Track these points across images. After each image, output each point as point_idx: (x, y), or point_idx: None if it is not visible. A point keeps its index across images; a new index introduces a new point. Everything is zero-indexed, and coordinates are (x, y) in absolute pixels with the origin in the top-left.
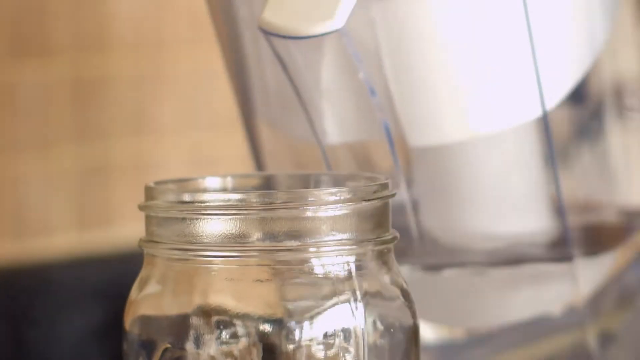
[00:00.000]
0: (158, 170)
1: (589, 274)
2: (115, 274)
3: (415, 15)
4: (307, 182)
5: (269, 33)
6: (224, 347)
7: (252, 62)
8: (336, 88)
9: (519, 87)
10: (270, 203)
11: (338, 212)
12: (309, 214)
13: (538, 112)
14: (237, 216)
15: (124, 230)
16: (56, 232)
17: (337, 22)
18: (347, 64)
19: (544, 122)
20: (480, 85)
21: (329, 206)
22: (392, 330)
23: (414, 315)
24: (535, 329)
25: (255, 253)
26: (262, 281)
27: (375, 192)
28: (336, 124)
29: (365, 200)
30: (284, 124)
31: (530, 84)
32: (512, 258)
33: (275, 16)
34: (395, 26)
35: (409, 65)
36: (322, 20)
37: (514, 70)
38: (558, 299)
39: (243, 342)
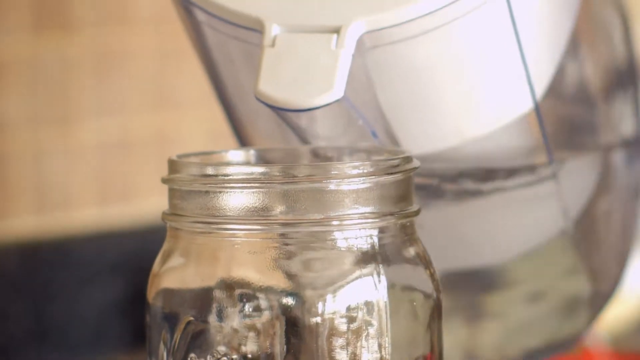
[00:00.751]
0: (179, 145)
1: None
2: (136, 248)
3: (404, 53)
4: (330, 155)
5: (266, 104)
6: (247, 320)
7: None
8: (334, 135)
9: (508, 85)
10: (293, 176)
11: (361, 186)
12: (332, 187)
13: (528, 105)
14: (260, 189)
15: (145, 205)
16: (77, 206)
17: (336, 92)
18: (345, 114)
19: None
20: (470, 93)
21: (352, 179)
22: (415, 303)
23: (437, 288)
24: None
25: (277, 226)
26: (285, 254)
27: (398, 165)
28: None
29: (388, 174)
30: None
31: (518, 80)
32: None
33: (271, 88)
34: (385, 65)
35: (404, 97)
36: (321, 92)
37: (503, 70)
38: (544, 224)
39: (266, 315)
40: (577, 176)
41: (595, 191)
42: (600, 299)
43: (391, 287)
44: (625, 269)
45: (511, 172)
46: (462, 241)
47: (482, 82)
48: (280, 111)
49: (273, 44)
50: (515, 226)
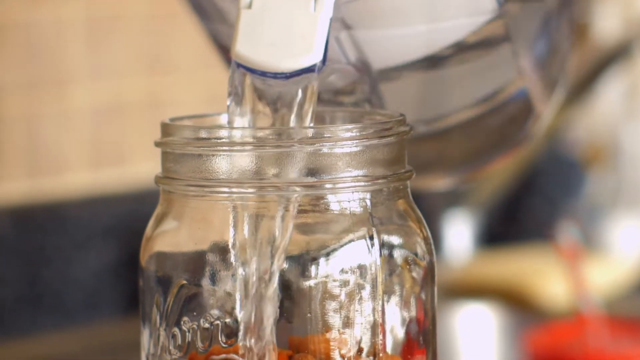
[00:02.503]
0: (172, 108)
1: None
2: (129, 212)
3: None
4: (323, 118)
5: (244, 67)
6: (240, 284)
7: None
8: None
9: None
10: (287, 139)
11: (354, 149)
12: (325, 150)
13: None
14: (253, 152)
15: (138, 169)
16: (70, 170)
17: (316, 55)
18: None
19: None
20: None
21: (344, 142)
22: (408, 266)
23: (430, 252)
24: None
25: (271, 189)
26: (277, 217)
27: (390, 128)
28: None
29: (380, 137)
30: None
31: None
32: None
33: (249, 50)
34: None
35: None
36: (301, 54)
37: None
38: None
39: (259, 278)
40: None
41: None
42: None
43: (384, 250)
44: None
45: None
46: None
47: None
48: (258, 75)
49: (250, 6)
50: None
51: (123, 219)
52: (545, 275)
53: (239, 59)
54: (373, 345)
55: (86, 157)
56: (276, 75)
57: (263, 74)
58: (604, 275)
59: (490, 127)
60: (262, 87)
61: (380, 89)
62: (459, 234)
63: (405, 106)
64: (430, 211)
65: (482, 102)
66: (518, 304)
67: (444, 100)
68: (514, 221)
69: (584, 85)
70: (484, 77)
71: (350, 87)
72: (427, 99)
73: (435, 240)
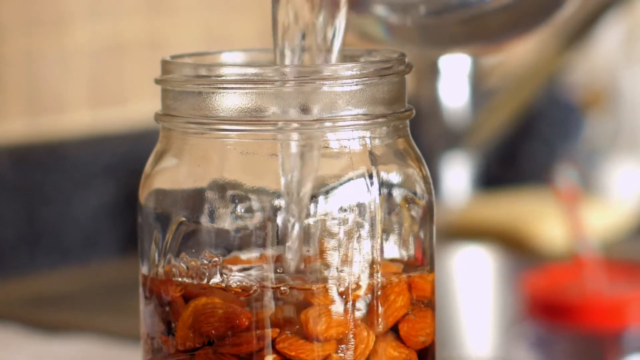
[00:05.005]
0: (173, 48)
1: None
2: (129, 151)
3: None
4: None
5: None
6: (239, 222)
7: None
8: None
9: None
10: (286, 77)
11: (354, 87)
12: (325, 88)
13: None
14: (253, 90)
15: (138, 108)
16: (70, 109)
17: None
18: None
19: None
20: None
21: (345, 81)
22: (407, 205)
23: (429, 191)
24: None
25: (270, 127)
26: (277, 155)
27: (391, 67)
28: None
29: (380, 76)
30: None
31: None
32: None
33: None
34: None
35: None
36: None
37: None
38: None
39: (258, 216)
40: None
41: None
42: None
43: (383, 189)
44: None
45: None
46: None
47: None
48: None
49: None
50: None
51: (123, 159)
52: (543, 218)
53: None
54: (371, 283)
55: (86, 96)
56: None
57: None
58: (601, 219)
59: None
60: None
61: None
62: (458, 176)
63: None
64: (428, 153)
65: None
66: (516, 247)
67: None
68: (512, 164)
69: (583, 29)
70: None
71: None
72: None
73: (433, 183)
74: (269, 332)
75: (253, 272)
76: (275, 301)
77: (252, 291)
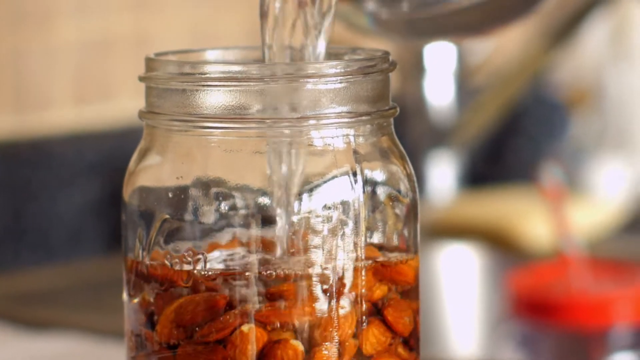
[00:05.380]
0: (158, 45)
1: None
2: (114, 148)
3: None
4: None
5: None
6: (223, 219)
7: None
8: None
9: None
10: (271, 75)
11: (338, 85)
12: (309, 86)
13: None
14: (237, 88)
15: (123, 105)
16: (55, 105)
17: None
18: None
19: None
20: None
21: (328, 79)
22: (391, 203)
23: (413, 189)
24: None
25: (254, 125)
26: (261, 153)
27: (375, 65)
28: None
29: (364, 74)
30: None
31: None
32: None
33: None
34: None
35: None
36: None
37: None
38: None
39: (241, 214)
40: None
41: None
42: None
43: (367, 186)
44: None
45: None
46: None
47: None
48: None
49: None
50: None
51: (108, 156)
52: (529, 216)
53: None
54: (355, 281)
55: (71, 93)
56: None
57: None
58: (586, 217)
59: None
60: None
61: None
62: (443, 174)
63: None
64: (414, 151)
65: None
66: (501, 245)
67: None
68: (497, 162)
69: (569, 27)
70: None
71: None
72: None
73: (418, 180)
74: (251, 309)
75: (237, 268)
76: (259, 297)
77: (235, 285)
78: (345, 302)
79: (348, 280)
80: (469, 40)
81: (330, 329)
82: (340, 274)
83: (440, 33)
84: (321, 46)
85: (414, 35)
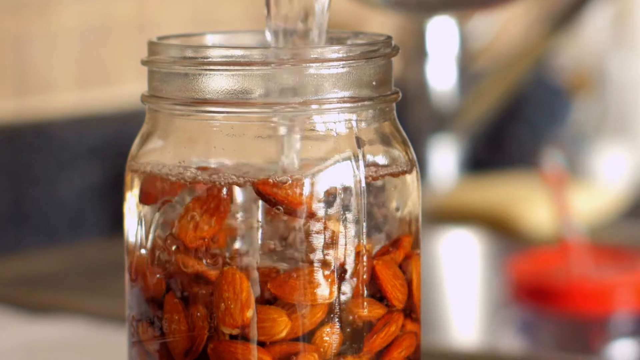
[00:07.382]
0: (160, 29)
1: None
2: (116, 132)
3: None
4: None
5: None
6: (225, 204)
7: None
8: None
9: None
10: (273, 59)
11: (340, 70)
12: (311, 71)
13: None
14: (239, 72)
15: (125, 90)
16: (57, 90)
17: None
18: None
19: None
20: None
21: (331, 63)
22: (393, 188)
23: (416, 174)
24: None
25: (256, 109)
26: (263, 138)
27: (377, 50)
28: None
29: (367, 58)
30: None
31: None
32: None
33: None
34: None
35: None
36: None
37: None
38: None
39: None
40: None
41: None
42: None
43: (369, 171)
44: None
45: None
46: None
47: None
48: None
49: None
50: None
51: (109, 140)
52: (530, 202)
53: None
54: (356, 266)
55: (73, 77)
56: None
57: None
58: (588, 202)
59: None
60: None
61: None
62: (445, 159)
63: None
64: (416, 136)
65: None
66: (502, 230)
67: None
68: (499, 147)
69: (571, 12)
70: None
71: None
72: None
73: (420, 166)
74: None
75: (239, 251)
76: (260, 284)
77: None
78: (346, 288)
79: (350, 266)
80: (477, 13)
81: (333, 314)
82: (342, 260)
83: (448, 6)
84: (323, 28)
85: (422, 8)
